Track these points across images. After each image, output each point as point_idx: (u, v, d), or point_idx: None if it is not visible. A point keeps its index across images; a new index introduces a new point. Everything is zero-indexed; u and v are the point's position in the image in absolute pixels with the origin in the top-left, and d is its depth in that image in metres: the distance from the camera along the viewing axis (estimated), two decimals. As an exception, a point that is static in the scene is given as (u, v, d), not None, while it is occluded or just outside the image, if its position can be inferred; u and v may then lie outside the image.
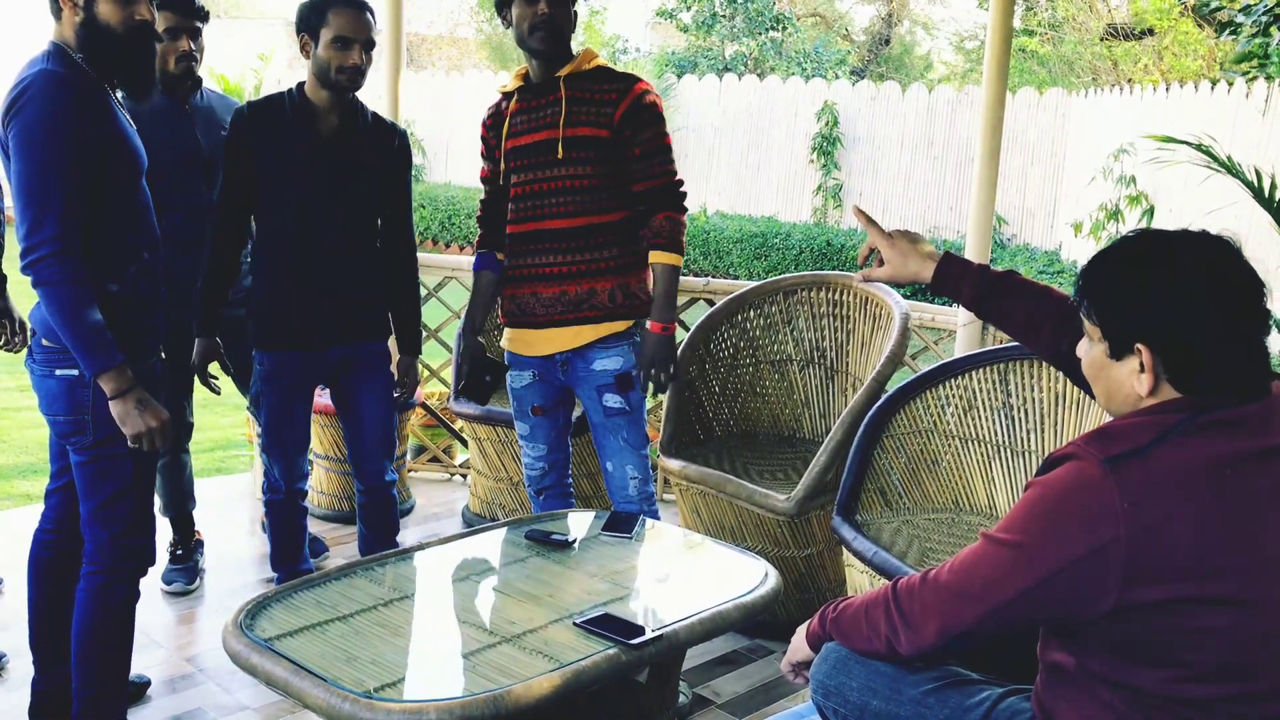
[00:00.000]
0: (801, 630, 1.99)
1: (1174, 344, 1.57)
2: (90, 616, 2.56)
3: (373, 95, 7.76)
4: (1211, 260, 1.59)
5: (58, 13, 2.44)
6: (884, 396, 3.28)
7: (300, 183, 3.02)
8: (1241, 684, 1.56)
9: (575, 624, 2.20)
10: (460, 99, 14.73)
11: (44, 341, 2.47)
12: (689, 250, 11.65)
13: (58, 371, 2.45)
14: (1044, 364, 3.22)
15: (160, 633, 3.35)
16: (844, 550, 3.06)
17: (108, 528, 2.54)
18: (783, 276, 4.05)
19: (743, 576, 2.56)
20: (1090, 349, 1.70)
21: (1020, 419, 3.24)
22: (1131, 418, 1.61)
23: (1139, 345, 1.59)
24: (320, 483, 4.35)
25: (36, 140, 2.27)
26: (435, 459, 4.93)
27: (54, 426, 2.55)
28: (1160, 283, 1.58)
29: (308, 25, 3.03)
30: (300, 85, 3.10)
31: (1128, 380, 1.63)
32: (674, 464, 3.56)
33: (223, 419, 6.12)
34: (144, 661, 3.15)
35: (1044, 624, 1.69)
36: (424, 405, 4.75)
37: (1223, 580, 1.52)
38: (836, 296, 3.91)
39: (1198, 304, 1.56)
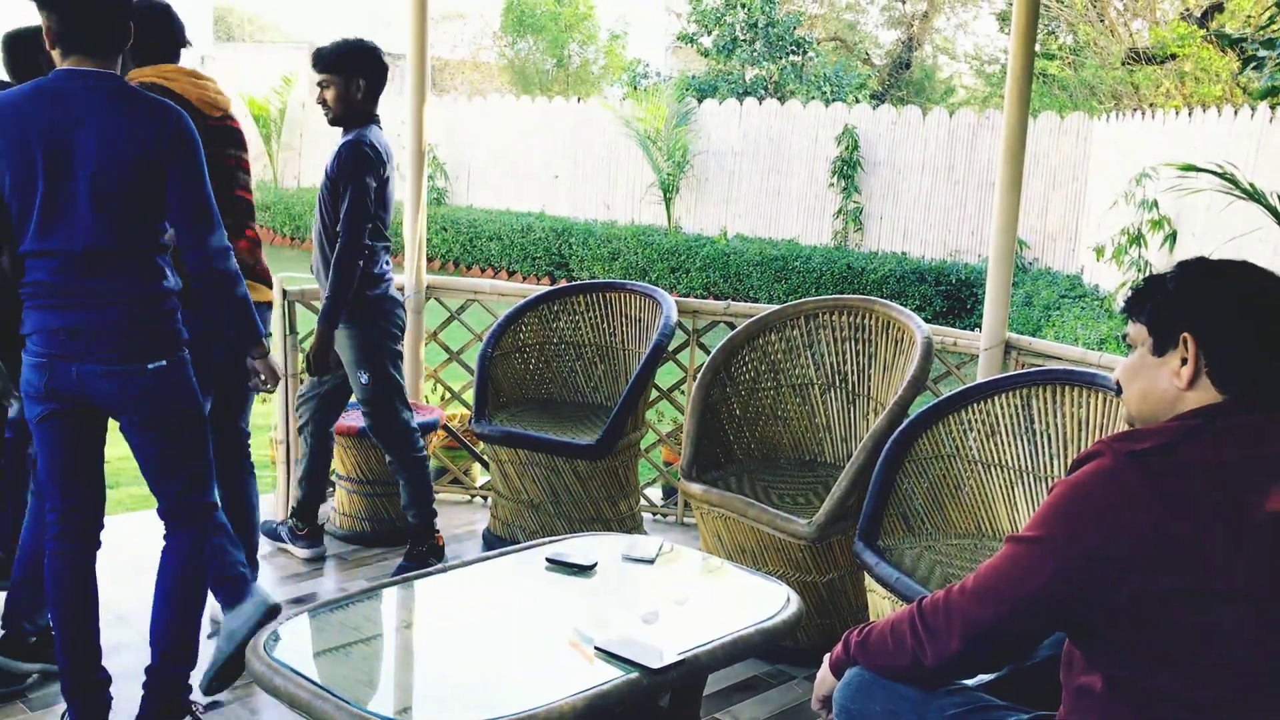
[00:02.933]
0: (826, 661, 1.98)
1: (1219, 335, 1.66)
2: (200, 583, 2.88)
3: (396, 119, 7.92)
4: (1261, 275, 1.71)
5: None
6: (906, 421, 3.28)
7: None
8: (1256, 689, 1.58)
9: (596, 648, 2.20)
10: (482, 123, 14.83)
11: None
12: (710, 273, 11.66)
13: (150, 366, 2.65)
14: (1068, 388, 3.21)
15: (182, 653, 3.36)
16: (866, 576, 3.05)
17: (208, 494, 2.86)
18: (804, 300, 4.05)
19: (764, 601, 2.55)
20: (1130, 357, 1.77)
21: (1043, 444, 3.23)
22: (1157, 424, 1.68)
23: (1185, 335, 1.66)
24: (341, 504, 4.37)
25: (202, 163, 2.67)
26: (456, 480, 4.94)
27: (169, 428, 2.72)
28: (1215, 281, 1.70)
29: None
30: None
31: (1167, 378, 1.69)
32: (695, 488, 3.55)
33: (245, 440, 6.14)
34: (166, 682, 3.16)
35: (1067, 624, 1.69)
36: (445, 427, 4.77)
37: (1237, 575, 1.56)
38: (858, 320, 3.90)
39: (1247, 303, 1.66)
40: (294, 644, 2.20)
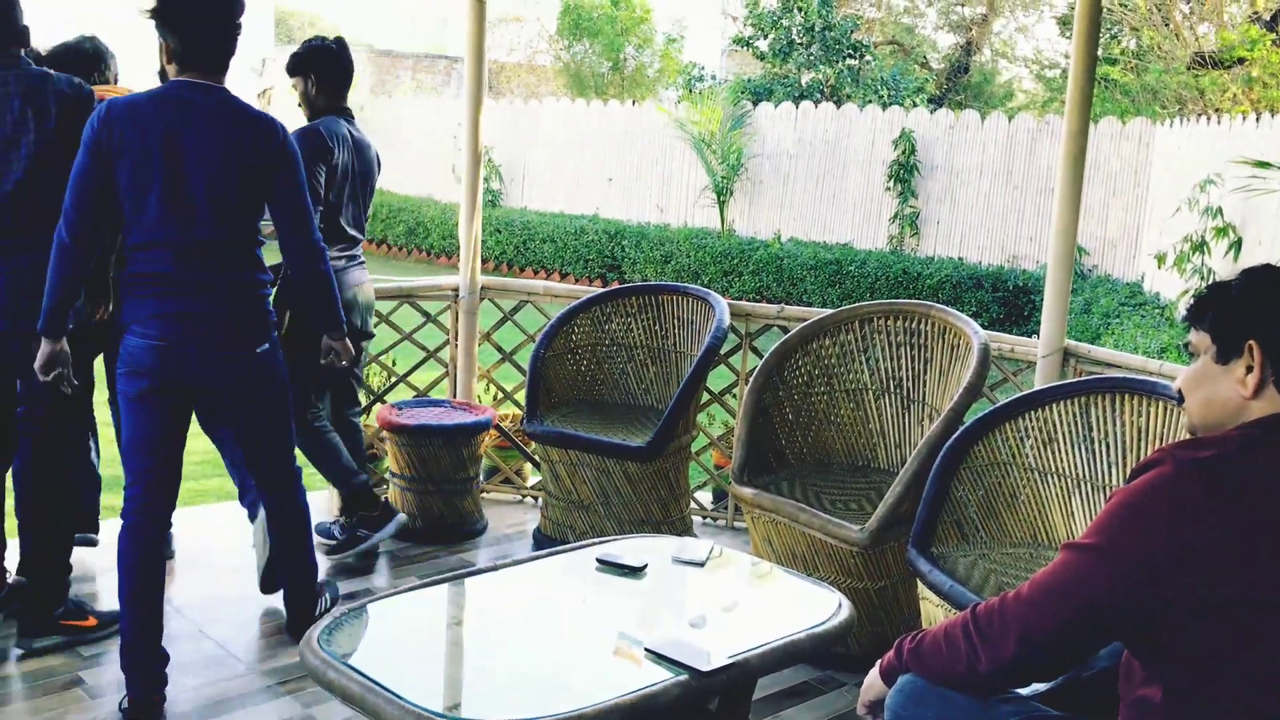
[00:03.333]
0: (875, 668, 1.97)
1: None
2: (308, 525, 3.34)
3: (451, 121, 7.78)
4: None
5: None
6: (962, 427, 3.24)
7: None
8: None
9: (646, 650, 2.20)
10: (537, 126, 14.90)
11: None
12: (763, 277, 11.62)
13: (257, 350, 2.99)
14: (1127, 396, 3.16)
15: (239, 648, 3.41)
16: (919, 583, 3.02)
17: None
18: (859, 304, 4.02)
19: (816, 607, 2.54)
20: (1192, 365, 1.75)
21: (1102, 452, 3.18)
22: (1219, 432, 1.66)
23: (1251, 342, 1.64)
24: (393, 500, 4.41)
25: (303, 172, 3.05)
26: (507, 480, 4.97)
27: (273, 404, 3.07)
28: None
29: None
30: None
31: (1231, 387, 1.67)
32: (747, 491, 3.54)
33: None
34: (221, 674, 3.22)
35: (1125, 634, 1.67)
36: (497, 427, 4.80)
37: None
38: (914, 325, 3.87)
39: None
40: (347, 638, 2.22)
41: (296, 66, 4.04)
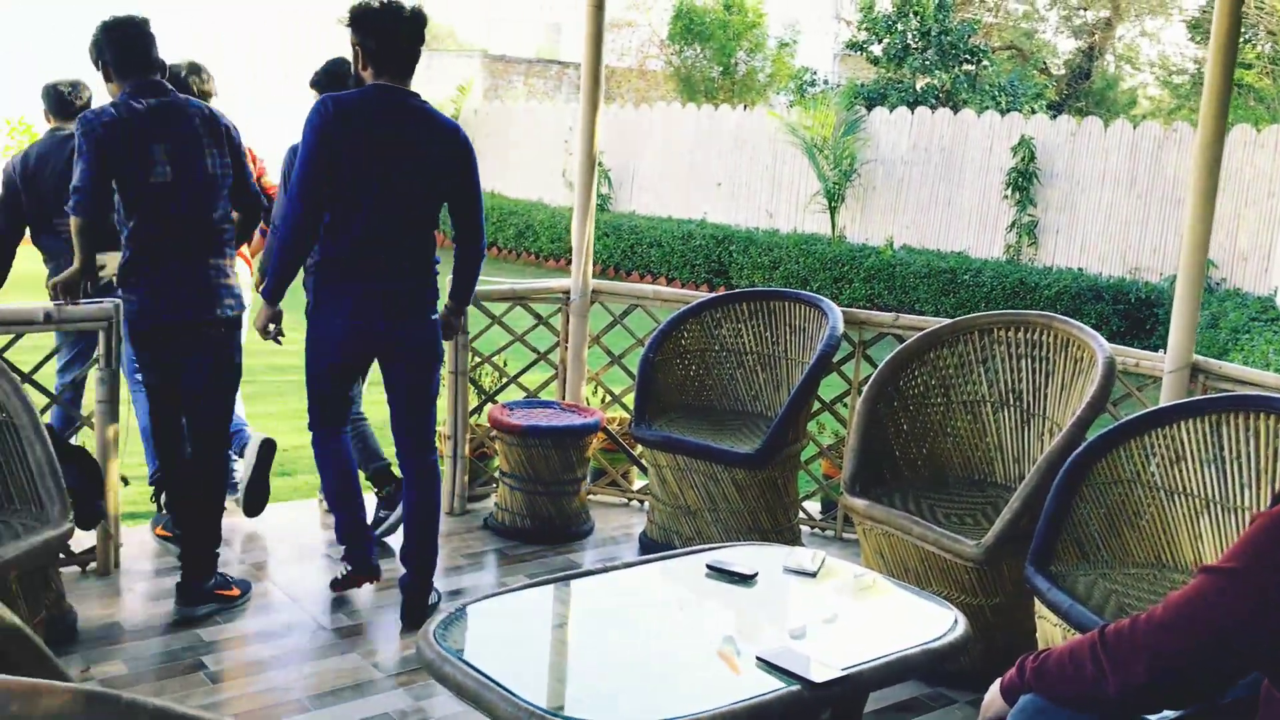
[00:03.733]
0: (995, 685, 1.91)
1: None
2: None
3: (561, 126, 7.83)
4: None
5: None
6: (1084, 443, 3.14)
7: None
8: None
9: (757, 659, 2.18)
10: (647, 130, 14.95)
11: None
12: (874, 284, 11.46)
13: (432, 317, 3.51)
14: (1263, 415, 3.02)
15: (353, 639, 3.48)
16: (1036, 601, 2.94)
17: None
18: (979, 314, 3.93)
19: (930, 622, 2.49)
20: None
21: (1234, 473, 3.04)
22: None
23: None
24: (503, 499, 4.46)
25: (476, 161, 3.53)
26: (613, 483, 4.99)
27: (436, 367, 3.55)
28: None
29: None
30: None
31: None
32: (859, 503, 3.49)
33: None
34: (335, 664, 3.29)
35: (1263, 661, 1.59)
36: (605, 430, 4.82)
37: None
38: (1035, 337, 3.77)
39: None
40: (461, 634, 2.24)
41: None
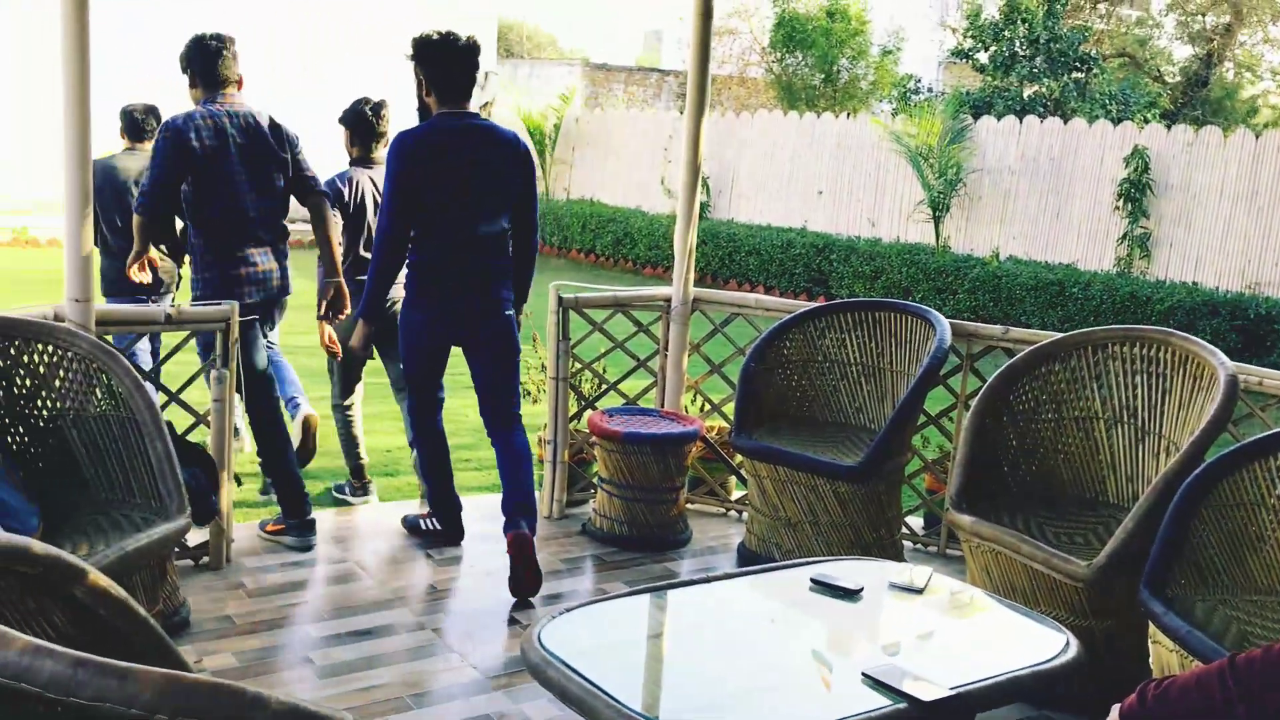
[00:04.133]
0: (1115, 710, 1.86)
1: None
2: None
3: (661, 134, 7.78)
4: None
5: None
6: (1204, 464, 3.03)
7: None
8: None
9: (863, 675, 2.15)
10: (747, 138, 14.90)
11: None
12: (979, 296, 11.25)
13: (508, 312, 3.99)
14: (1400, 441, 2.88)
15: (455, 639, 3.53)
16: (1150, 626, 2.84)
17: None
18: (1092, 329, 3.83)
19: (1039, 643, 2.42)
20: None
21: (1367, 500, 2.91)
22: None
23: None
24: (602, 506, 4.47)
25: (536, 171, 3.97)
26: (711, 492, 4.97)
27: (514, 356, 4.05)
28: None
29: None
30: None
31: None
32: (965, 519, 3.42)
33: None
34: (437, 664, 3.33)
35: None
36: (704, 439, 4.80)
37: None
38: (1152, 353, 3.65)
39: None
40: (564, 639, 2.25)
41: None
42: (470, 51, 3.75)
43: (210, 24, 4.51)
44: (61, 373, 3.30)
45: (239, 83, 4.12)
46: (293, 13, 16.25)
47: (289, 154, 4.17)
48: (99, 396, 3.28)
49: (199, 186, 3.96)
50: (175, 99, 4.31)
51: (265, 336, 4.35)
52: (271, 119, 4.15)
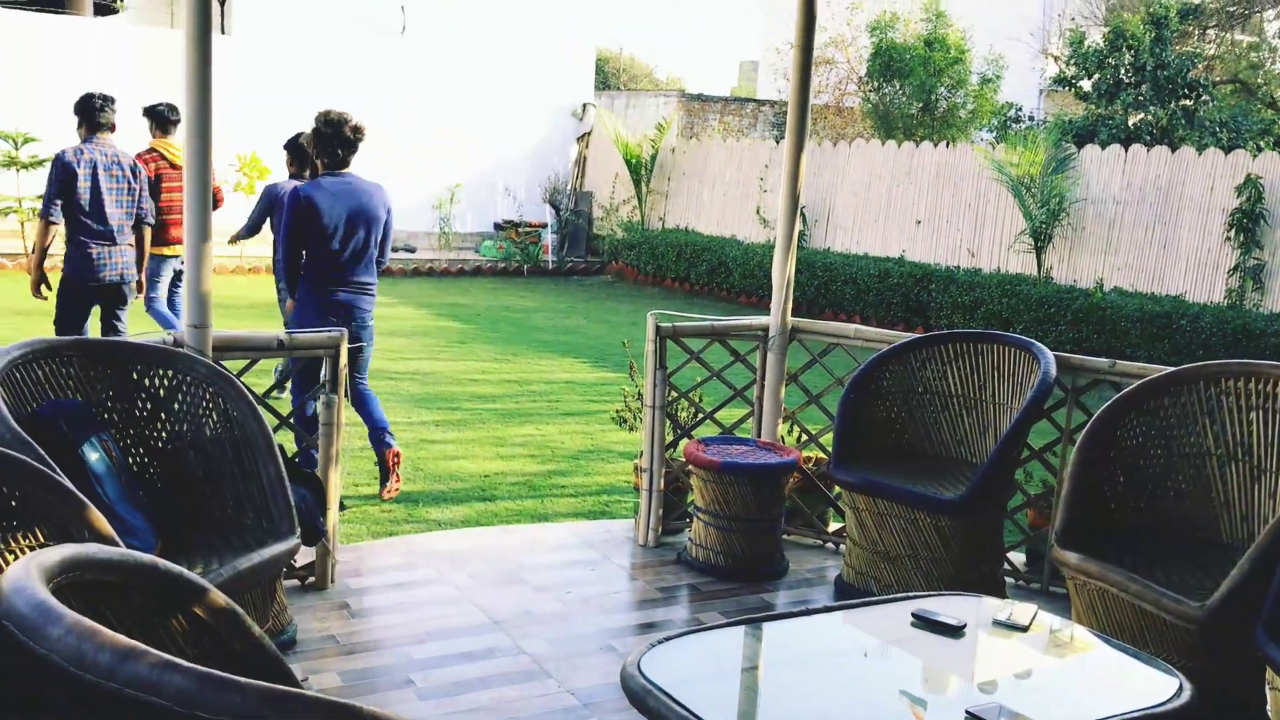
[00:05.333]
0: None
1: None
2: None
3: (757, 163, 7.70)
4: None
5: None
6: (1326, 504, 2.92)
7: None
8: None
9: (967, 713, 2.11)
10: (843, 167, 14.84)
11: None
12: (1082, 328, 11.00)
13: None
14: None
15: (552, 665, 3.56)
16: (1267, 671, 2.74)
17: None
18: (1205, 363, 3.72)
19: (1150, 686, 2.36)
20: None
21: None
22: None
23: None
24: (698, 535, 4.47)
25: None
26: (808, 523, 4.93)
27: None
28: None
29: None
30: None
31: None
32: (1071, 556, 3.34)
33: (608, 465, 6.46)
34: (534, 690, 3.36)
35: None
36: (801, 469, 4.78)
37: None
38: (1268, 389, 3.53)
39: None
40: (663, 668, 2.26)
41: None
42: (356, 131, 5.06)
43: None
44: (180, 396, 3.43)
45: (112, 128, 6.41)
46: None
47: (137, 185, 6.49)
48: (215, 419, 3.40)
49: (73, 199, 6.21)
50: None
51: (117, 316, 6.52)
52: (133, 161, 6.58)
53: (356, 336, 5.02)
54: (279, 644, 3.44)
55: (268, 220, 7.11)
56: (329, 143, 5.03)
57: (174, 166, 7.19)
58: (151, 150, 7.27)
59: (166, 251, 7.38)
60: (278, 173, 7.85)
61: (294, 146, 6.45)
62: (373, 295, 5.24)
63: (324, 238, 4.97)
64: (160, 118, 7.34)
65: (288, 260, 5.08)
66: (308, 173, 6.12)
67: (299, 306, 5.12)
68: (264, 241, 7.94)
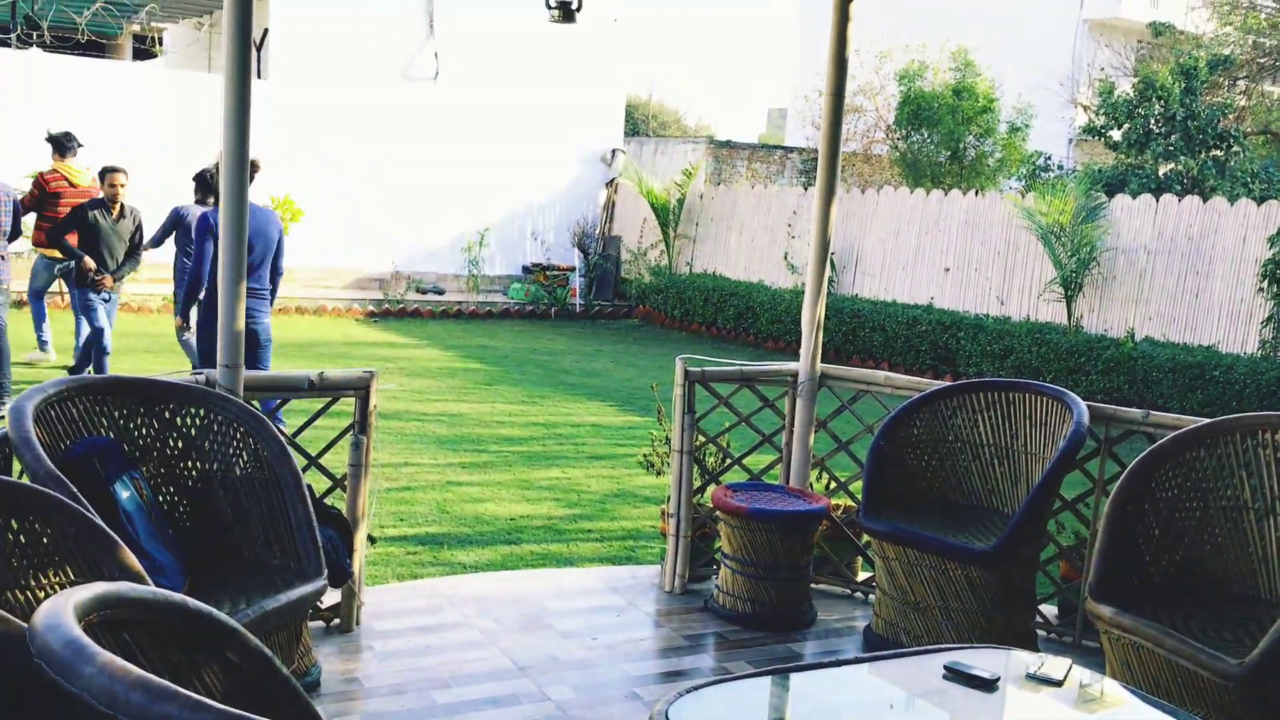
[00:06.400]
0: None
1: None
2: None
3: (785, 210, 7.67)
4: None
5: None
6: (1368, 561, 2.86)
7: None
8: None
9: (1002, 770, 2.07)
10: (871, 215, 14.86)
11: None
12: (1113, 377, 10.92)
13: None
14: None
15: (576, 711, 3.52)
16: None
17: None
18: (1242, 414, 3.67)
19: (1191, 746, 2.30)
20: None
21: None
22: None
23: None
24: (725, 582, 4.43)
25: None
26: (836, 572, 4.88)
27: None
28: None
29: None
30: None
31: None
32: (1105, 610, 3.29)
33: (634, 509, 6.43)
34: (559, 736, 3.33)
35: None
36: (830, 517, 4.74)
37: None
38: (1307, 442, 3.48)
39: None
40: (689, 717, 2.23)
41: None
42: (254, 166, 5.63)
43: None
44: (211, 435, 3.45)
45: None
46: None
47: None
48: (245, 459, 3.41)
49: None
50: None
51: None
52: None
53: (252, 331, 6.32)
54: (303, 686, 3.42)
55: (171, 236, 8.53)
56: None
57: (73, 185, 8.81)
58: (54, 170, 8.86)
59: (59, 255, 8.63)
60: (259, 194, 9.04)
61: (201, 178, 7.43)
62: (264, 298, 6.49)
63: None
64: (59, 143, 8.90)
65: (211, 276, 6.15)
66: (211, 200, 7.29)
67: (208, 304, 6.22)
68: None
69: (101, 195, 8.26)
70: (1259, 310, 11.08)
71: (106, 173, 8.26)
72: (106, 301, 8.19)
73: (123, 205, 8.23)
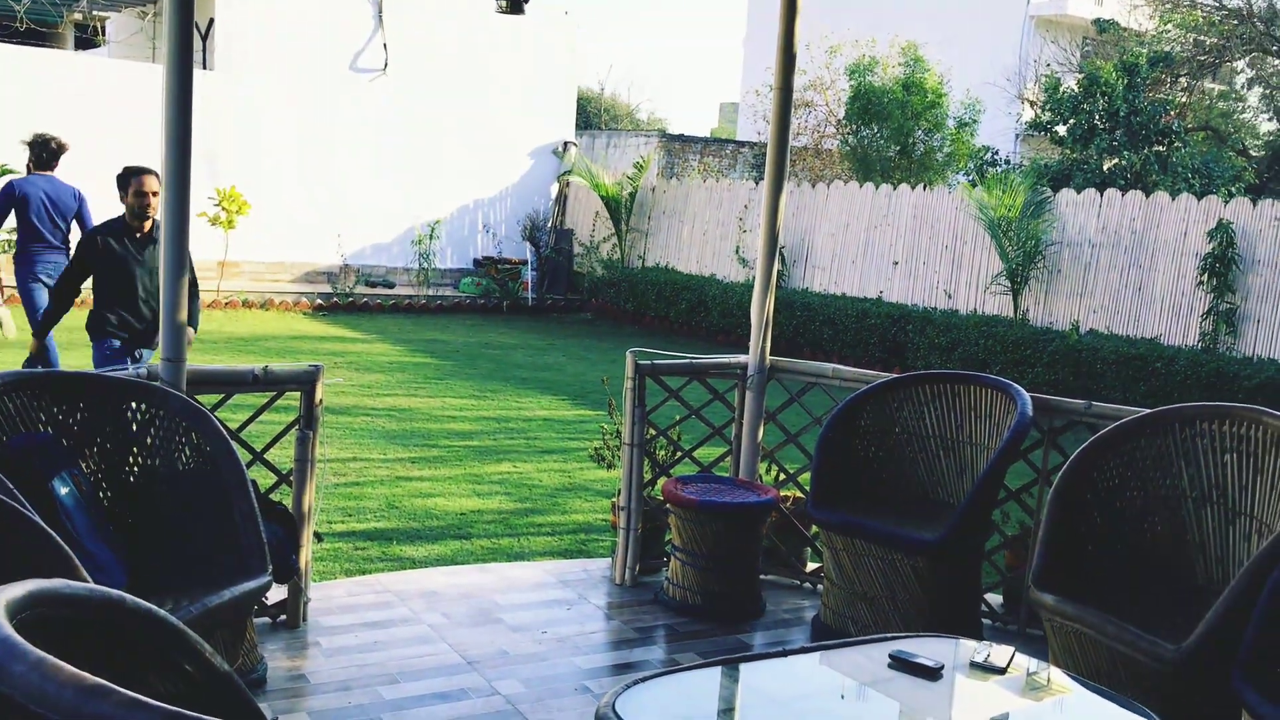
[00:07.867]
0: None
1: None
2: None
3: (737, 203, 7.70)
4: None
5: None
6: (1300, 547, 2.93)
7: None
8: None
9: (945, 756, 2.10)
10: (821, 209, 14.95)
11: None
12: (1058, 369, 11.09)
13: None
14: None
15: (525, 705, 3.52)
16: (1244, 714, 2.74)
17: None
18: (1182, 405, 3.74)
19: (1129, 730, 2.34)
20: None
21: None
22: None
23: None
24: (675, 574, 4.45)
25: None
26: (785, 563, 4.91)
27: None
28: None
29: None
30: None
31: None
32: (1047, 599, 3.34)
33: (585, 503, 6.43)
34: (508, 730, 3.32)
35: None
36: (779, 509, 4.77)
37: None
38: (1243, 431, 3.55)
39: None
40: (637, 709, 2.24)
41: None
42: (60, 146, 7.25)
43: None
44: (153, 430, 3.39)
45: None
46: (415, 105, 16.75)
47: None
48: (188, 454, 3.36)
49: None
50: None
51: None
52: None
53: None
54: (249, 682, 3.39)
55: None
56: (36, 150, 7.36)
57: None
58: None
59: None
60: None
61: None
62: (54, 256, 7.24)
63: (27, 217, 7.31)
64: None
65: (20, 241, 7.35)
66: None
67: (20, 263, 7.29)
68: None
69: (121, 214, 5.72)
70: (1199, 303, 11.29)
71: (132, 176, 5.62)
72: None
73: (154, 223, 5.69)
